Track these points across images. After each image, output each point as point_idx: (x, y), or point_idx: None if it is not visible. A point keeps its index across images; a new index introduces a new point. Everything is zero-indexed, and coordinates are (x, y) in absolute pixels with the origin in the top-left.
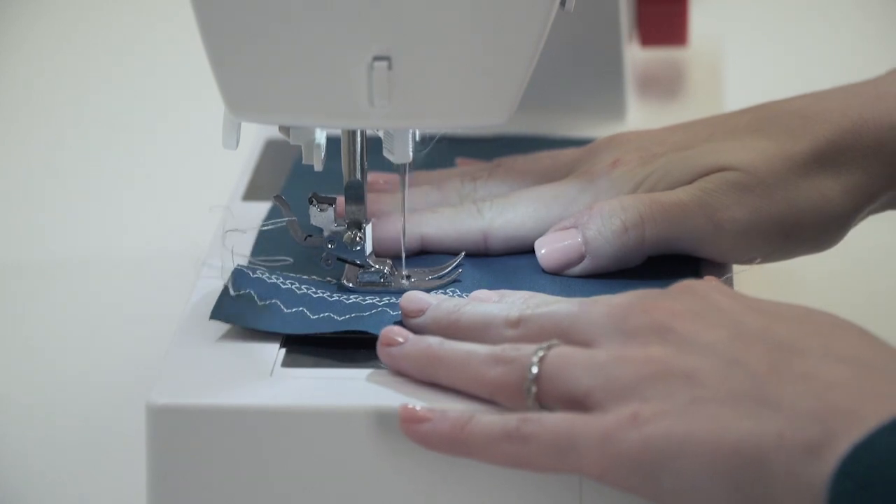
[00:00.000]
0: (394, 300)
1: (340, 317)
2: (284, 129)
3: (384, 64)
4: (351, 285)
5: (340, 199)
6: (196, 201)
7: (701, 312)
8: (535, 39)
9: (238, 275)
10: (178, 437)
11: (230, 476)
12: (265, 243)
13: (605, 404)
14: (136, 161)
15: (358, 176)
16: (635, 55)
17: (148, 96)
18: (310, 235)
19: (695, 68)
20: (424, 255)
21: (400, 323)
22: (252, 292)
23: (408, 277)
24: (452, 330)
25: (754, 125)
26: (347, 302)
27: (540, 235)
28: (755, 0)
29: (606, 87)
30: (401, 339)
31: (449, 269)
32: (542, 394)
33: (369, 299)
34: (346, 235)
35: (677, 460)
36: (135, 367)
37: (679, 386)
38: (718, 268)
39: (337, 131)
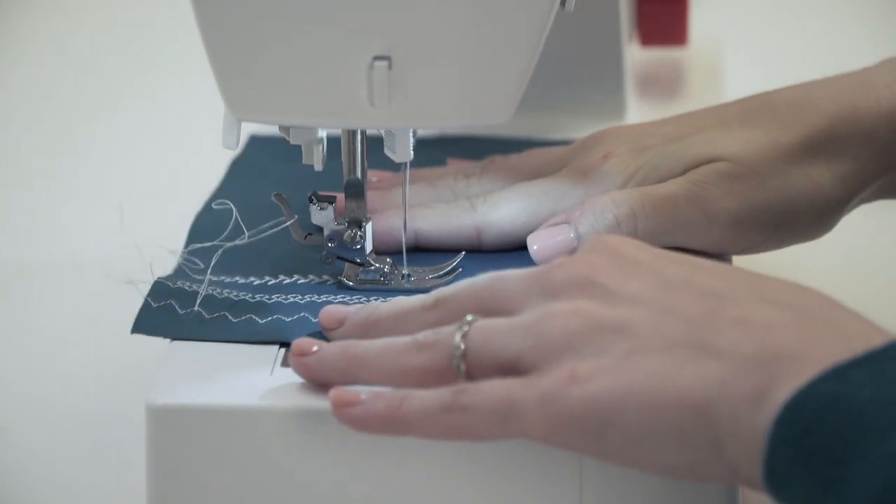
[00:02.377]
0: (315, 298)
1: (262, 319)
2: (284, 129)
3: (384, 64)
4: (351, 284)
5: (340, 198)
6: (197, 200)
7: (620, 264)
8: (535, 39)
9: (158, 287)
10: (178, 437)
11: (230, 476)
12: (199, 233)
13: (540, 365)
14: (136, 161)
15: (358, 175)
16: (635, 55)
17: (147, 96)
18: (310, 234)
19: (695, 68)
20: (424, 253)
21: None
22: (172, 303)
23: (408, 276)
24: (373, 330)
25: (744, 116)
26: (269, 302)
27: (533, 230)
28: (755, 0)
29: (606, 87)
30: (314, 348)
31: (449, 267)
32: (473, 369)
33: (291, 298)
34: (346, 234)
35: (621, 415)
36: (135, 367)
37: (612, 339)
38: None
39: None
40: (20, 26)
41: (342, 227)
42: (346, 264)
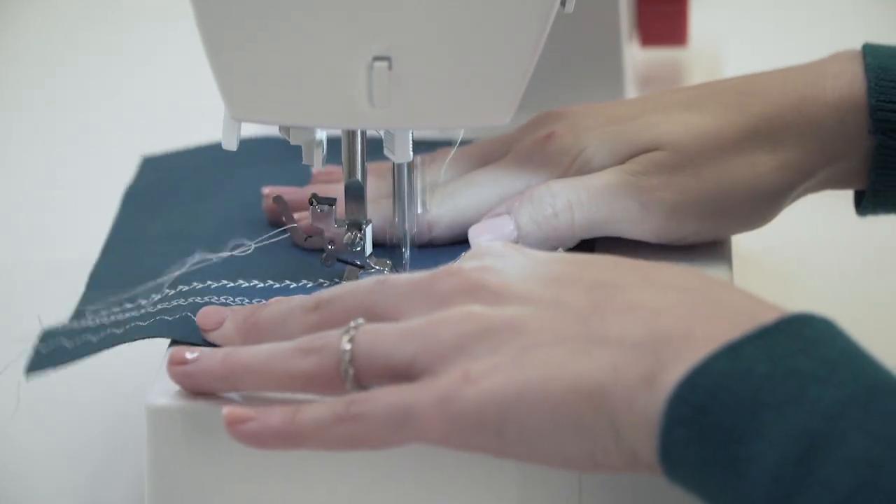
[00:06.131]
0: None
1: (145, 322)
2: (284, 129)
3: (384, 64)
4: None
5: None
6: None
7: (507, 268)
8: (535, 39)
9: (46, 335)
10: (178, 437)
11: (230, 476)
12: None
13: (432, 368)
14: (136, 162)
15: (358, 176)
16: (635, 55)
17: (148, 96)
18: (310, 237)
19: (695, 68)
20: (423, 254)
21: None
22: (62, 341)
23: None
24: (253, 332)
25: (690, 101)
26: (153, 310)
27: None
28: (755, 0)
29: (606, 87)
30: (192, 356)
31: None
32: (361, 374)
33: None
34: (346, 236)
35: (518, 410)
36: (134, 368)
37: (504, 338)
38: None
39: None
40: (15, 23)
41: (342, 229)
42: (347, 267)
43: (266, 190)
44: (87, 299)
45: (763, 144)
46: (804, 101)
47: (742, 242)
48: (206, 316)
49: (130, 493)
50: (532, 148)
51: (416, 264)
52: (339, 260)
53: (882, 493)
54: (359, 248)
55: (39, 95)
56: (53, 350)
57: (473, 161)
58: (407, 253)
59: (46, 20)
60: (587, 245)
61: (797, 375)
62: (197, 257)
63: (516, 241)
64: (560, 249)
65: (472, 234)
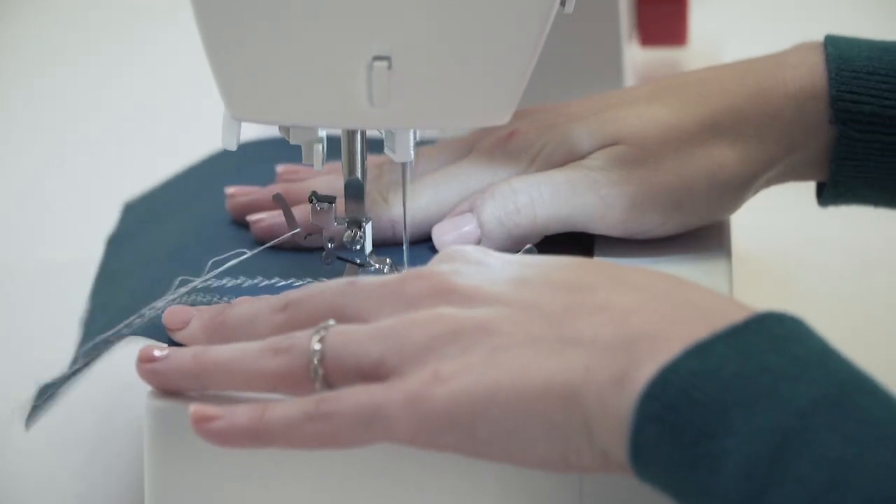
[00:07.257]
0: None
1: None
2: (284, 129)
3: (384, 64)
4: None
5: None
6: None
7: (477, 272)
8: (535, 39)
9: (42, 390)
10: (178, 437)
11: (229, 476)
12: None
13: (402, 368)
14: (137, 161)
15: (358, 175)
16: (635, 55)
17: (148, 96)
18: (310, 235)
19: (694, 68)
20: (423, 252)
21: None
22: (56, 390)
23: None
24: (220, 332)
25: (651, 95)
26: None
27: (444, 217)
28: (755, 0)
29: (606, 87)
30: (161, 353)
31: None
32: (330, 374)
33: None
34: (345, 234)
35: (490, 409)
36: (135, 368)
37: (475, 339)
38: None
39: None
40: (16, 23)
41: (342, 227)
42: (348, 265)
43: (230, 190)
44: (82, 344)
45: (724, 136)
46: (763, 93)
47: (741, 242)
48: (171, 315)
49: (130, 493)
50: (494, 146)
51: (412, 263)
52: (338, 258)
53: (854, 491)
54: (359, 247)
55: (40, 94)
56: (48, 398)
57: (436, 160)
58: (405, 255)
59: (48, 19)
60: (586, 245)
61: (768, 373)
62: (178, 282)
63: (479, 239)
64: (530, 246)
65: (436, 233)
